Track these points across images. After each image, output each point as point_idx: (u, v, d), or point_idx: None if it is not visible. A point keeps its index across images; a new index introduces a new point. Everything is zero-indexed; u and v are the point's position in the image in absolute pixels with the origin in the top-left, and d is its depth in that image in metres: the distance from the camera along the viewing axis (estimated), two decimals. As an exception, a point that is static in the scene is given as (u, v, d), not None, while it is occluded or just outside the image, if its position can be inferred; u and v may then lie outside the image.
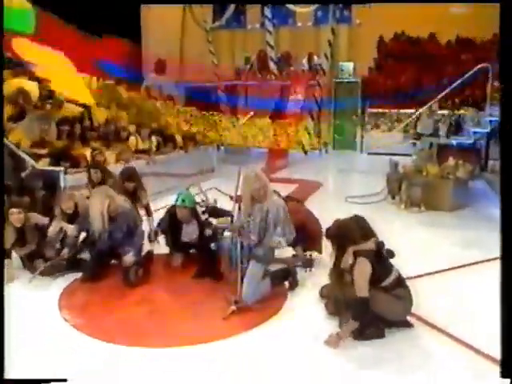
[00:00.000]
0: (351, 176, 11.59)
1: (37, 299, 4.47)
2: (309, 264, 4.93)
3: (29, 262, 5.02)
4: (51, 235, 5.01)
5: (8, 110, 7.09)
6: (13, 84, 7.66)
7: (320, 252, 5.26)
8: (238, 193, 4.45)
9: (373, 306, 3.53)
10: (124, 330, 3.88)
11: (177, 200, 5.00)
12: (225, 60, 16.12)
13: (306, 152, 14.11)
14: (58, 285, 4.78)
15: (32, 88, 7.84)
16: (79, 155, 6.91)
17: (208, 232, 4.97)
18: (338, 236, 3.77)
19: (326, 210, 6.12)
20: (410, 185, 7.77)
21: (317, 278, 4.72)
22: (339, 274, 3.77)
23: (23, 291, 4.60)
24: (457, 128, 11.83)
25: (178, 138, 9.89)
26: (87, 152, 7.11)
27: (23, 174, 6.37)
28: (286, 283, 4.59)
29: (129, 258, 4.81)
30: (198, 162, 10.20)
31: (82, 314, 4.17)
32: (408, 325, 3.82)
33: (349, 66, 15.10)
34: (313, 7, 15.07)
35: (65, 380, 2.87)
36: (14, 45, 9.08)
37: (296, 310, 4.24)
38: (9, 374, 2.92)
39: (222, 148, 13.47)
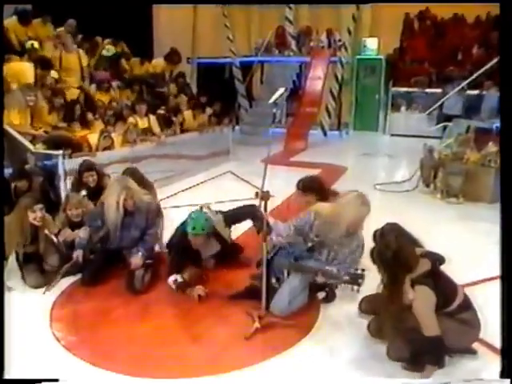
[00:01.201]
0: (376, 160, 10.78)
1: (28, 306, 3.84)
2: (356, 281, 3.21)
3: (25, 265, 4.27)
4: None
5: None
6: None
7: None
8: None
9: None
10: (124, 353, 3.22)
11: (188, 226, 4.07)
12: (241, 36, 15.22)
13: (325, 133, 13.35)
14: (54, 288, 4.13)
15: (26, 68, 7.03)
16: (81, 138, 6.21)
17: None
18: (393, 265, 2.93)
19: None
20: (447, 173, 6.99)
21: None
22: (393, 302, 3.02)
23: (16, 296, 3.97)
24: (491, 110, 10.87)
25: (187, 117, 9.00)
26: (89, 134, 6.40)
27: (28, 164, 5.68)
28: (321, 293, 3.88)
29: (137, 259, 4.15)
30: (211, 144, 9.46)
31: (76, 330, 3.50)
32: (472, 351, 3.13)
33: (372, 42, 14.13)
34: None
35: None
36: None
37: (331, 328, 3.56)
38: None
39: (237, 128, 12.71)
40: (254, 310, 3.54)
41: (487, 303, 3.28)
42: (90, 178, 4.96)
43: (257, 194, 3.41)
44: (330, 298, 3.87)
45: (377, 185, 7.73)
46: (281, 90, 3.34)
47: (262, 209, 3.36)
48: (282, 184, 5.86)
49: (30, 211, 4.10)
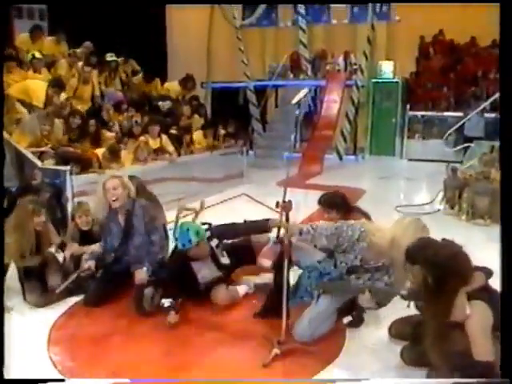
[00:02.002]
0: (395, 183, 10.46)
1: (28, 325, 3.54)
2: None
3: (26, 281, 3.97)
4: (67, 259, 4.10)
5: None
6: (15, 86, 6.75)
7: None
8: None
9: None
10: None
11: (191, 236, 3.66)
12: (255, 60, 15.16)
13: (341, 157, 13.07)
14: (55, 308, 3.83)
15: (38, 87, 6.87)
16: (91, 155, 5.98)
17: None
18: (448, 274, 2.52)
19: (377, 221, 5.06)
20: (473, 193, 6.64)
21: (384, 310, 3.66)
22: (440, 320, 2.66)
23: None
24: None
25: (198, 137, 8.76)
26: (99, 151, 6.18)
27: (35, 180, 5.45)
28: (347, 318, 3.49)
29: (141, 273, 3.84)
30: (225, 166, 9.23)
31: (74, 355, 3.17)
32: None
33: (388, 65, 13.95)
34: (349, 3, 14.05)
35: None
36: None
37: (359, 355, 3.20)
38: None
39: (251, 152, 12.48)
40: (274, 335, 3.19)
41: None
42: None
43: (277, 203, 3.10)
44: (356, 322, 3.50)
45: (398, 207, 7.39)
46: (304, 91, 3.07)
47: (284, 219, 3.05)
48: (299, 205, 5.57)
49: (36, 215, 3.83)
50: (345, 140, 13.24)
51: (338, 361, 3.11)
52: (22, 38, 7.76)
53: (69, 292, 3.97)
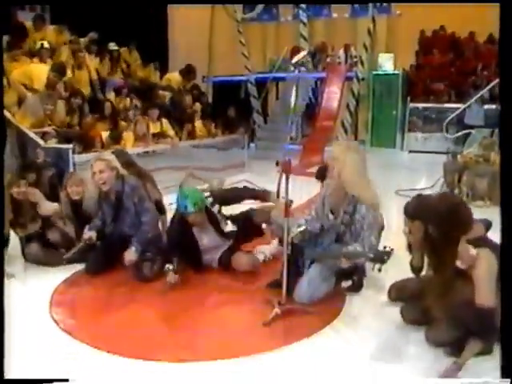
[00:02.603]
0: (396, 171, 10.47)
1: (25, 293, 3.57)
2: (382, 258, 2.90)
3: (27, 244, 4.11)
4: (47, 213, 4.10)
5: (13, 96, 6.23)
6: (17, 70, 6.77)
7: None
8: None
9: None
10: (130, 336, 2.92)
11: (188, 205, 3.64)
12: (256, 53, 15.20)
13: (342, 149, 13.07)
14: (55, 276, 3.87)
15: (40, 72, 6.89)
16: (94, 134, 6.03)
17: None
18: (449, 222, 2.54)
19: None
20: (473, 175, 6.67)
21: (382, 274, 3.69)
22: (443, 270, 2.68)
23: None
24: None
25: (198, 125, 8.76)
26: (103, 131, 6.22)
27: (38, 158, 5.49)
28: (347, 282, 3.53)
29: (129, 254, 3.81)
30: (226, 156, 9.28)
31: (78, 313, 3.23)
32: None
33: (389, 57, 13.98)
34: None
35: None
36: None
37: (359, 316, 3.22)
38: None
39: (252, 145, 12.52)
40: (274, 296, 3.22)
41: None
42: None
43: (277, 162, 3.12)
44: (356, 287, 3.53)
45: (399, 191, 7.41)
46: (303, 53, 3.11)
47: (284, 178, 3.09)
48: (301, 190, 5.62)
49: (15, 186, 3.91)
50: (346, 132, 13.24)
51: (336, 321, 3.13)
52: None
53: (70, 260, 4.02)
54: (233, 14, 14.47)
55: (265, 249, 4.23)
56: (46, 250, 4.07)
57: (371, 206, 3.31)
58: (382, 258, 2.85)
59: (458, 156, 7.15)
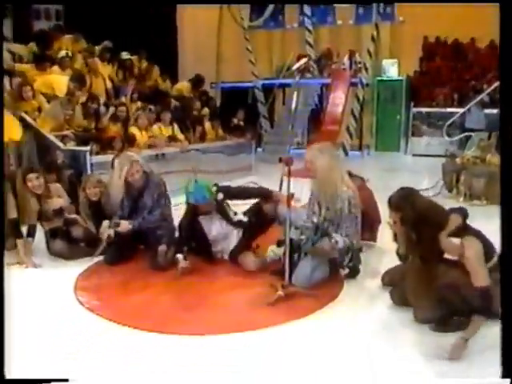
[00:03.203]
0: (399, 174, 10.77)
1: (52, 280, 3.92)
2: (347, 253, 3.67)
3: (52, 240, 4.44)
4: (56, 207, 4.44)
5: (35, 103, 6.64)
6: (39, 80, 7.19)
7: (375, 240, 4.69)
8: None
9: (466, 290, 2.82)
10: (148, 314, 3.28)
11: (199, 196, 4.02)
12: (262, 60, 15.58)
13: (347, 153, 13.39)
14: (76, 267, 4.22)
15: (61, 81, 7.30)
16: (114, 135, 6.43)
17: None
18: (424, 225, 2.87)
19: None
20: (470, 175, 6.96)
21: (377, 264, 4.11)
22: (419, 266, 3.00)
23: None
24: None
25: (207, 128, 9.16)
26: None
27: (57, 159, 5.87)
28: (345, 270, 3.84)
29: (162, 248, 4.15)
30: (233, 159, 9.62)
31: (101, 295, 3.58)
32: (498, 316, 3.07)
33: (392, 63, 14.31)
34: (354, 4, 14.43)
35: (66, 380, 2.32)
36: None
37: (355, 298, 3.54)
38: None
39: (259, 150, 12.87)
40: (278, 281, 3.55)
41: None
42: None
43: (280, 159, 3.46)
44: (353, 273, 3.86)
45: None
46: (304, 59, 3.44)
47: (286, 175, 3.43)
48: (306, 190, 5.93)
49: (28, 180, 4.21)
50: (351, 136, 13.54)
51: (335, 302, 3.45)
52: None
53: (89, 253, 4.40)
54: (240, 21, 14.87)
55: (275, 249, 4.33)
56: (70, 245, 4.40)
57: (347, 200, 3.66)
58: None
59: (457, 158, 7.44)
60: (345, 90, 13.50)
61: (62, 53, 7.76)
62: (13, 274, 3.83)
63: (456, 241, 2.90)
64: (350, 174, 4.20)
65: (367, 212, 4.20)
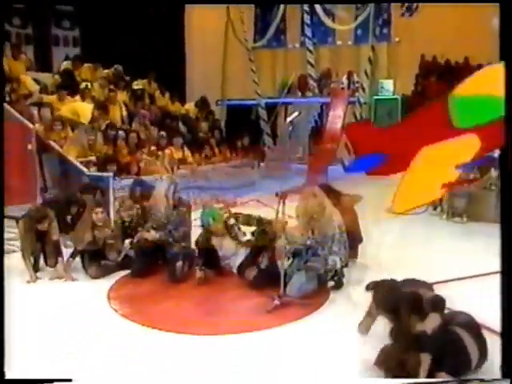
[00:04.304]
0: (391, 189, 11.46)
1: (87, 292, 4.71)
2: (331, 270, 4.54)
3: (89, 265, 5.12)
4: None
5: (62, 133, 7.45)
6: (65, 107, 8.03)
7: (356, 257, 5.35)
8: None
9: None
10: (171, 318, 4.05)
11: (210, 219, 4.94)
12: (266, 79, 16.39)
13: (345, 169, 14.05)
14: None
15: (85, 109, 8.14)
16: (132, 160, 7.23)
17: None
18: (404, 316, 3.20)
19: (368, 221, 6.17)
20: (452, 195, 7.70)
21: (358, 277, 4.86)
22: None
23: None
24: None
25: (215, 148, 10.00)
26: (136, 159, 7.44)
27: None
28: (331, 282, 4.64)
29: (180, 264, 4.93)
30: (238, 176, 10.39)
31: (131, 304, 4.36)
32: None
33: (389, 83, 15.06)
34: (353, 25, 15.19)
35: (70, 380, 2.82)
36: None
37: (339, 306, 4.31)
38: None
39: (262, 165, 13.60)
40: (274, 292, 4.32)
41: (487, 302, 3.49)
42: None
43: (277, 193, 4.25)
44: (338, 285, 4.64)
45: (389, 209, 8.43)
46: (295, 113, 4.23)
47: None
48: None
49: (94, 212, 5.07)
50: (349, 153, 14.22)
51: (322, 308, 4.23)
52: (64, 65, 9.10)
53: (118, 267, 5.18)
54: (244, 42, 15.72)
55: None
56: (103, 268, 5.13)
57: (338, 227, 4.53)
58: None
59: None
60: (343, 108, 14.21)
61: (83, 85, 8.58)
62: (55, 286, 4.66)
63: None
64: (341, 193, 5.02)
65: (351, 232, 4.97)
